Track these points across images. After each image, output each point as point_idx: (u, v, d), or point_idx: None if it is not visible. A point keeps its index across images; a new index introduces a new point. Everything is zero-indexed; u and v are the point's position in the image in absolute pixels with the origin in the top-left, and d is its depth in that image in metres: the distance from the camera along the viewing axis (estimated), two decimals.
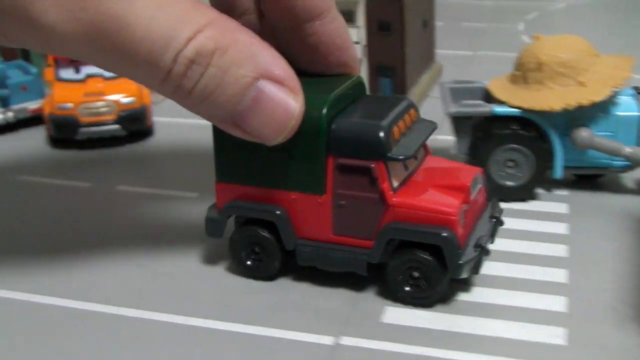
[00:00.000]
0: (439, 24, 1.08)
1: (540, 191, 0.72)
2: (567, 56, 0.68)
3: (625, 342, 0.51)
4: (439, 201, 0.55)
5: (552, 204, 0.70)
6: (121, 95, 0.87)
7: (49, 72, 0.91)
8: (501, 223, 0.60)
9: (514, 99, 0.69)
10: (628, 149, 0.69)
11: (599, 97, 0.67)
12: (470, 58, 1.18)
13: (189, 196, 0.75)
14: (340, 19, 0.58)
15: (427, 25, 1.00)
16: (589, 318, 0.54)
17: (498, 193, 0.70)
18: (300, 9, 0.55)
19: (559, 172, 0.70)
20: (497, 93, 0.71)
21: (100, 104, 0.87)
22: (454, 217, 0.53)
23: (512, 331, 0.53)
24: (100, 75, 0.90)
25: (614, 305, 0.55)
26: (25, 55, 1.08)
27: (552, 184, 0.73)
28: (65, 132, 0.87)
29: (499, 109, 0.69)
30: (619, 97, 0.69)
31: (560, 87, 0.68)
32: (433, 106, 0.95)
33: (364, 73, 0.91)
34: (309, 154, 0.55)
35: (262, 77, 0.48)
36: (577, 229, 0.66)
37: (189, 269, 0.62)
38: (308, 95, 0.52)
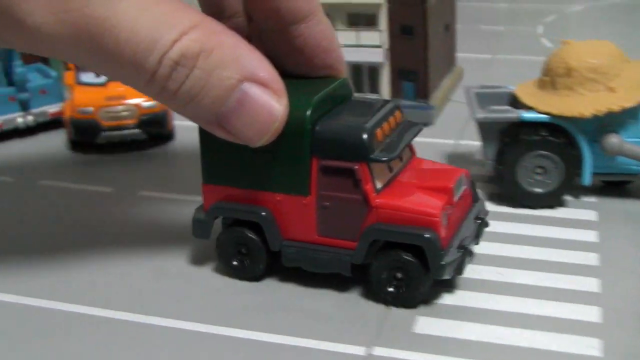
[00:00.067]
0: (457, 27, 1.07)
1: (568, 198, 0.71)
2: (598, 62, 0.67)
3: None
4: (421, 202, 0.55)
5: (581, 211, 0.70)
6: (142, 99, 0.87)
7: (69, 76, 0.90)
8: (486, 224, 0.61)
9: (543, 105, 0.68)
10: None
11: (629, 103, 0.66)
12: (489, 61, 1.18)
13: None
14: (327, 22, 0.58)
15: (449, 28, 1.00)
16: (624, 328, 0.53)
17: (526, 200, 0.70)
18: (285, 12, 0.56)
19: (587, 179, 0.69)
20: (525, 98, 0.70)
21: (121, 107, 0.86)
22: (436, 219, 0.54)
23: (546, 342, 0.52)
24: None
25: None
26: (45, 58, 1.07)
27: (580, 191, 0.72)
28: (86, 136, 0.87)
29: (528, 115, 0.68)
30: None
31: (590, 93, 0.67)
32: (455, 110, 0.95)
33: (386, 77, 0.90)
34: (293, 155, 0.56)
35: (247, 80, 0.49)
36: (607, 236, 0.65)
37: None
38: (292, 98, 0.52)
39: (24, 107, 0.92)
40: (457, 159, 0.80)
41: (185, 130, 0.93)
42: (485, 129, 0.71)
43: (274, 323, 0.55)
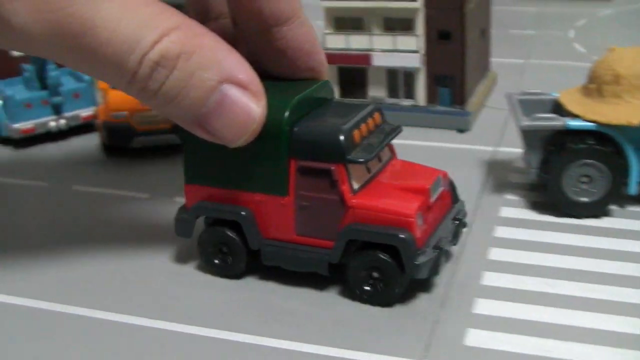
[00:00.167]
0: None
1: (613, 207, 0.70)
2: None
3: None
4: (397, 203, 0.56)
5: (626, 221, 0.68)
6: None
7: None
8: (464, 225, 0.62)
9: (589, 113, 0.67)
10: None
11: None
12: (522, 66, 1.16)
13: None
14: (309, 24, 0.59)
15: (485, 33, 0.99)
16: None
17: (571, 209, 0.68)
18: (267, 14, 0.56)
19: (634, 188, 0.68)
20: (571, 106, 0.69)
21: (155, 112, 0.86)
22: (411, 219, 0.55)
23: (595, 355, 0.51)
24: None
25: None
26: None
27: (626, 200, 0.70)
28: (119, 140, 0.86)
29: (574, 123, 0.67)
30: None
31: (639, 101, 0.66)
32: (491, 116, 0.93)
33: (422, 82, 0.89)
34: (271, 156, 0.57)
35: (226, 81, 0.50)
36: None
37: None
38: (272, 99, 0.53)
39: (57, 110, 0.92)
40: (497, 166, 0.79)
41: None
42: (529, 136, 0.70)
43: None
